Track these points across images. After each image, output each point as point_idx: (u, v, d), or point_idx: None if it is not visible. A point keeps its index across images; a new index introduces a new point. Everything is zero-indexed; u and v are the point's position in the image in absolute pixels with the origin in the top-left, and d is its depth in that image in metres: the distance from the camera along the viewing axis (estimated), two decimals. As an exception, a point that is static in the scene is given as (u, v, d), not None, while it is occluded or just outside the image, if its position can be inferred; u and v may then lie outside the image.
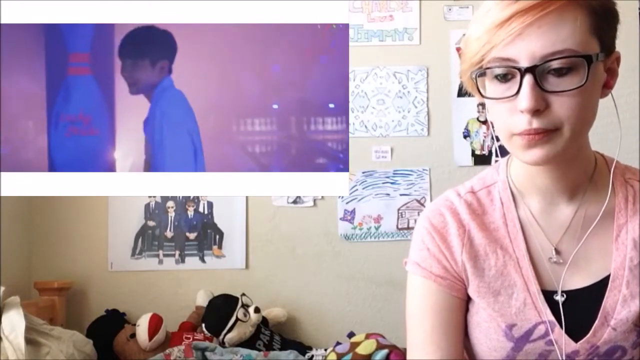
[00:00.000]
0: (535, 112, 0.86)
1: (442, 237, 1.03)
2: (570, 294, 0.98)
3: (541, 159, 0.90)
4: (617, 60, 0.95)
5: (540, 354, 0.99)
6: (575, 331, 0.97)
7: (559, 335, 0.97)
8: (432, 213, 1.06)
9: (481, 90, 0.93)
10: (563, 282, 0.99)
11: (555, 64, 0.86)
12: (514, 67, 0.87)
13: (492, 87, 0.92)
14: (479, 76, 0.92)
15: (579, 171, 0.99)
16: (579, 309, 0.97)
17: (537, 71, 0.86)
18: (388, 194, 2.54)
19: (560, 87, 0.86)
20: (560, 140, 0.88)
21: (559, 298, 0.98)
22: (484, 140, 2.54)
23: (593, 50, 0.87)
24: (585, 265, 0.99)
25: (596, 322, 0.96)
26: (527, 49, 0.86)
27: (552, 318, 0.97)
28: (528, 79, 0.86)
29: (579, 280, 0.99)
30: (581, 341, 0.97)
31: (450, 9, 2.58)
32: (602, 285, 0.98)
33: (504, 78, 0.89)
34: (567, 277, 0.99)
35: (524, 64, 0.86)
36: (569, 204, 1.00)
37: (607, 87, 0.94)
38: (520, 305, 0.99)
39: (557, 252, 0.99)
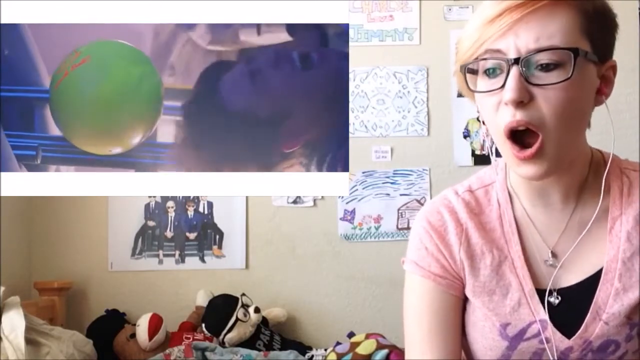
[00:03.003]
0: (520, 104, 0.87)
1: (440, 236, 1.03)
2: (564, 291, 0.98)
3: (536, 174, 0.91)
4: (613, 68, 0.95)
5: (535, 353, 0.99)
6: (569, 327, 0.97)
7: (553, 333, 0.97)
8: (430, 212, 1.06)
9: (470, 86, 0.94)
10: (559, 281, 0.99)
11: (542, 59, 0.87)
12: (501, 59, 0.88)
13: (481, 83, 0.93)
14: (471, 72, 0.94)
15: (575, 173, 0.98)
16: (572, 305, 0.98)
17: (524, 64, 0.87)
18: (388, 194, 2.54)
19: (546, 81, 0.87)
20: (549, 149, 0.89)
21: (554, 299, 0.98)
22: (484, 140, 2.53)
23: (583, 48, 0.88)
24: (580, 261, 0.99)
25: (587, 316, 0.96)
26: (515, 42, 0.88)
27: (545, 317, 0.97)
28: (514, 71, 0.87)
29: (573, 277, 0.99)
30: (574, 337, 0.97)
31: (450, 9, 2.58)
32: (595, 280, 0.97)
33: (493, 73, 0.90)
34: (562, 276, 0.99)
35: (511, 56, 0.88)
36: (565, 205, 1.00)
37: (600, 93, 0.93)
38: (514, 304, 0.99)
39: (554, 255, 0.99)
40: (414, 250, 1.06)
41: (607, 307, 0.96)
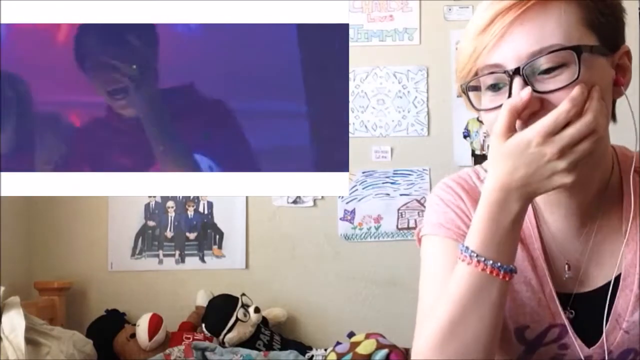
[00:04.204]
0: (530, 116, 0.81)
1: (470, 198, 0.96)
2: (582, 297, 0.94)
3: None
4: (627, 54, 0.88)
5: (553, 358, 0.95)
6: (588, 335, 0.93)
7: (573, 339, 0.93)
8: (452, 182, 1.01)
9: (475, 104, 0.89)
10: (574, 288, 0.94)
11: (544, 64, 0.81)
12: (501, 72, 0.83)
13: (485, 99, 0.87)
14: (473, 90, 0.88)
15: (597, 183, 0.92)
16: (591, 311, 0.92)
17: (526, 71, 0.81)
18: (388, 194, 2.54)
19: (552, 86, 0.80)
20: None
21: (568, 314, 0.93)
22: (484, 140, 2.54)
23: (587, 43, 0.82)
24: (597, 268, 0.93)
25: (607, 325, 0.91)
26: (512, 50, 0.82)
27: (566, 321, 0.93)
28: (517, 81, 0.81)
29: (590, 284, 0.94)
30: (594, 347, 0.92)
31: (450, 9, 2.58)
32: (614, 286, 0.92)
33: (496, 88, 0.85)
34: (579, 283, 0.94)
35: (511, 66, 0.82)
36: (585, 218, 0.93)
37: (617, 84, 0.87)
38: (534, 305, 0.94)
39: (570, 267, 0.94)
40: (437, 214, 0.98)
41: (627, 315, 0.91)
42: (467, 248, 0.84)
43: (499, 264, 0.83)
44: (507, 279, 0.83)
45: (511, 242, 0.84)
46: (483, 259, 0.83)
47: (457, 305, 0.83)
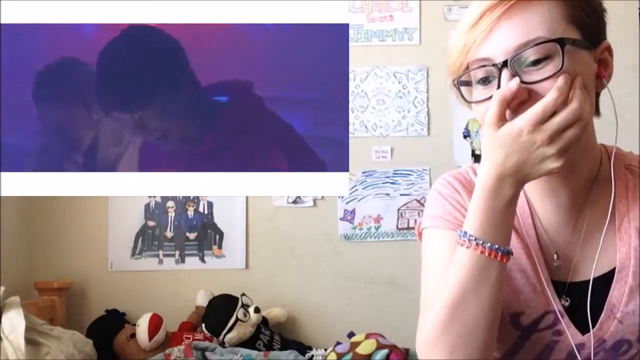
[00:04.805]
0: (519, 105, 0.86)
1: (467, 191, 1.00)
2: (576, 286, 0.97)
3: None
4: (608, 50, 0.94)
5: (547, 345, 0.97)
6: (582, 323, 0.95)
7: (567, 326, 0.96)
8: (450, 177, 1.05)
9: (467, 98, 0.94)
10: (570, 275, 0.97)
11: (530, 56, 0.86)
12: (490, 65, 0.88)
13: (476, 93, 0.93)
14: (464, 85, 0.93)
15: (584, 171, 0.96)
16: (585, 300, 0.95)
17: (513, 64, 0.86)
18: (388, 194, 2.54)
19: (538, 77, 0.86)
20: None
21: (564, 302, 0.96)
22: (484, 140, 2.53)
23: (570, 36, 0.87)
24: (590, 260, 0.96)
25: (602, 314, 0.95)
26: (500, 44, 0.87)
27: (560, 308, 0.96)
28: (505, 73, 0.86)
29: (583, 275, 0.97)
30: (588, 334, 0.95)
31: (450, 9, 2.58)
32: (609, 277, 0.95)
33: (487, 81, 0.90)
34: (571, 274, 0.97)
35: (499, 59, 0.87)
36: (574, 205, 0.97)
37: (600, 77, 0.92)
38: (529, 291, 0.97)
39: (559, 256, 0.97)
40: (436, 207, 1.02)
41: (622, 306, 0.94)
42: (465, 233, 0.88)
43: (496, 246, 0.87)
44: (504, 260, 0.88)
45: (506, 225, 0.89)
46: (481, 242, 0.87)
47: (459, 288, 0.87)
